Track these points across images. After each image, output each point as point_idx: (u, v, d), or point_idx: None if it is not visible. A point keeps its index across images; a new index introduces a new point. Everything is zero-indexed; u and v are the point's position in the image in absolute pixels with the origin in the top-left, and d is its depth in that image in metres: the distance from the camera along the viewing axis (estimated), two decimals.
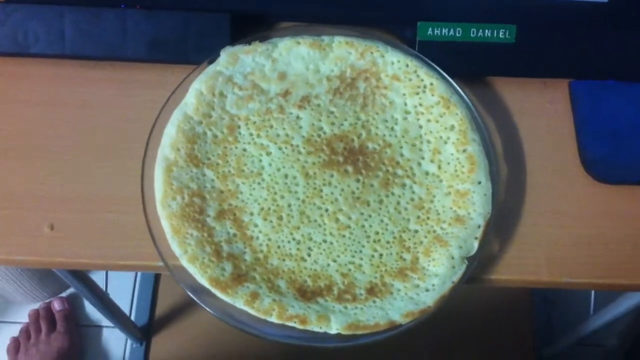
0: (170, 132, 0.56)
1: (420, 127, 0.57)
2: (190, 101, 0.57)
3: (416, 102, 0.57)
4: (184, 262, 0.53)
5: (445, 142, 0.57)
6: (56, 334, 1.29)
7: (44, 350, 1.26)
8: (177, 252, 0.53)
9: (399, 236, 0.55)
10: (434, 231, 0.55)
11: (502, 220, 0.57)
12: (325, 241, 0.55)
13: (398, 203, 0.56)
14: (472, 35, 0.61)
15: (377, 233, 0.55)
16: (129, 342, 1.31)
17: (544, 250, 0.57)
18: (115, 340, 1.35)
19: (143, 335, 1.29)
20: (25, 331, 1.30)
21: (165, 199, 0.54)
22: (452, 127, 0.57)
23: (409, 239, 0.55)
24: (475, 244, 0.54)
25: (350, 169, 0.57)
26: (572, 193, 0.59)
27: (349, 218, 0.56)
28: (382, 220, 0.56)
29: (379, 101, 0.59)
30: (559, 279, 0.56)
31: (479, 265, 0.54)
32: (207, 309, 0.52)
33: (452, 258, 0.54)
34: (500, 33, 0.61)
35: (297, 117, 0.59)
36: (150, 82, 0.61)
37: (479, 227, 0.55)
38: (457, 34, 0.61)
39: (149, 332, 1.30)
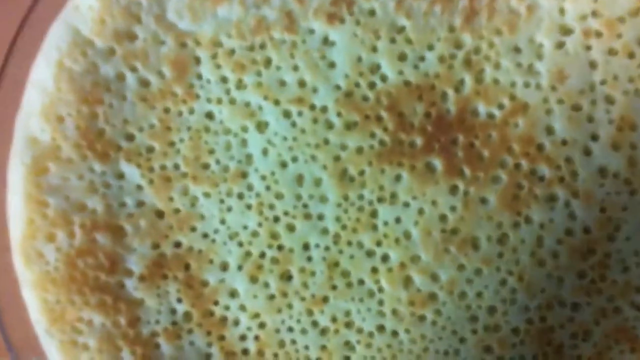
0: (42, 80, 0.25)
1: (593, 65, 0.25)
2: (85, 3, 0.25)
3: (586, 9, 0.24)
4: None
5: None
6: None
7: None
8: None
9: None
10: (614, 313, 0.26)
11: None
12: (393, 333, 0.25)
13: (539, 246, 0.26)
14: None
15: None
16: None
17: None
18: None
19: None
20: None
21: (31, 242, 0.24)
22: None
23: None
24: None
25: (438, 164, 0.26)
26: None
27: (436, 280, 0.25)
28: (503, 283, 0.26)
29: (504, 6, 0.26)
30: None
31: None
32: None
33: None
34: None
35: (325, 42, 0.26)
36: None
37: None
38: None
39: None
